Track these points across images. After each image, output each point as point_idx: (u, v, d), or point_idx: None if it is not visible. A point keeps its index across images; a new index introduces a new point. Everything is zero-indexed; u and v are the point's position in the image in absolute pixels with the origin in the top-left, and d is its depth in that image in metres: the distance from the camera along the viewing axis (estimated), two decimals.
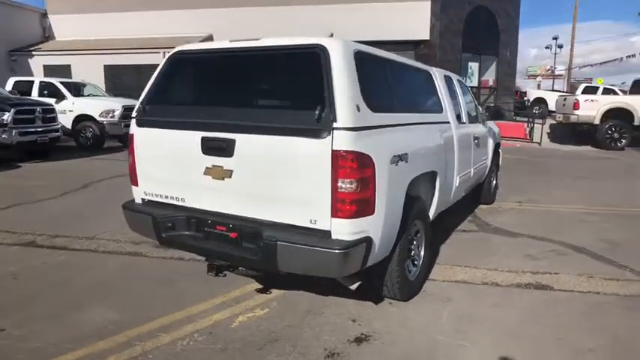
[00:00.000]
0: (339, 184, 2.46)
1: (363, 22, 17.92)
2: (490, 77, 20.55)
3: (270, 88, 2.98)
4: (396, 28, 17.69)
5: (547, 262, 4.22)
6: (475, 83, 19.87)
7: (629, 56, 31.36)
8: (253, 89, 3.04)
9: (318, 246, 2.52)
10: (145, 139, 3.19)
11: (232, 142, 2.76)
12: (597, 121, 13.26)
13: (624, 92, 18.40)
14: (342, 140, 2.46)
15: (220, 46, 3.09)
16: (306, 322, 3.06)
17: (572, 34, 33.43)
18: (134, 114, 3.28)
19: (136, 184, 3.32)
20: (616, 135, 13.25)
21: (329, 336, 2.89)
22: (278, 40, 2.88)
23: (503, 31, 19.88)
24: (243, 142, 2.73)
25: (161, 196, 3.20)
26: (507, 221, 5.71)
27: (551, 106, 19.67)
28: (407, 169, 2.97)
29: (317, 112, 2.49)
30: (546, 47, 47.77)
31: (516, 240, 4.94)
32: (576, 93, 17.22)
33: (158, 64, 3.31)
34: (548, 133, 16.09)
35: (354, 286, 2.94)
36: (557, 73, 46.07)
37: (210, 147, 2.84)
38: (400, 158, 2.85)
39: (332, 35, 20.34)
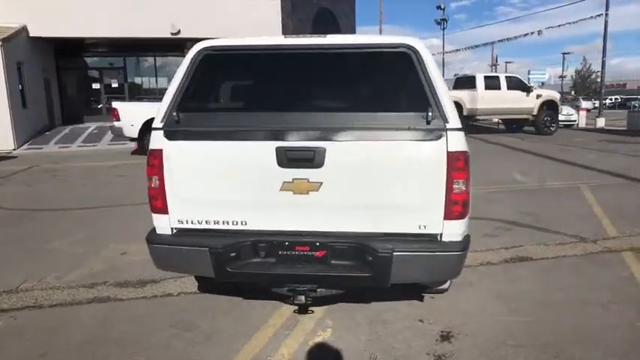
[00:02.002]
0: (454, 185, 2.46)
1: (211, 18, 17.28)
2: None
3: (358, 90, 2.73)
4: (247, 26, 17.44)
5: (506, 238, 4.87)
6: None
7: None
8: (337, 91, 2.73)
9: (439, 251, 2.49)
10: (182, 154, 2.61)
11: (322, 150, 2.47)
12: None
13: None
14: (456, 141, 2.46)
15: (280, 43, 2.67)
16: (383, 333, 2.96)
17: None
18: (159, 124, 2.65)
19: (164, 212, 2.69)
20: None
21: (416, 340, 2.87)
22: (354, 37, 2.68)
23: (344, 31, 21.48)
24: (336, 150, 2.48)
25: (208, 222, 2.67)
26: None
27: None
28: None
29: (428, 114, 2.44)
30: None
31: None
32: None
33: None
34: None
35: (446, 285, 2.96)
36: None
37: (291, 158, 2.49)
38: None
39: (179, 31, 19.07)
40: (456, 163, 2.45)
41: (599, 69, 22.19)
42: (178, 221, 2.71)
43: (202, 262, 2.61)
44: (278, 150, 2.50)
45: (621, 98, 50.51)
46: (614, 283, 3.65)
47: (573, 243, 4.65)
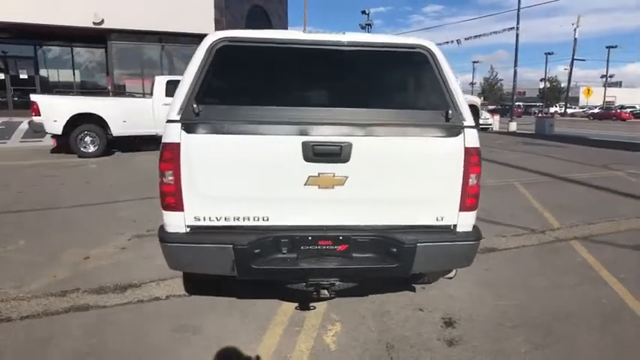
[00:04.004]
0: (470, 179, 2.63)
1: (139, 10, 16.41)
2: None
3: (379, 88, 2.78)
4: (179, 20, 16.89)
5: None
6: None
7: None
8: (358, 88, 2.76)
9: (458, 241, 2.64)
10: (202, 148, 2.50)
11: (348, 145, 2.52)
12: None
13: None
14: (471, 138, 2.63)
15: (301, 38, 2.65)
16: (390, 324, 3.08)
17: None
18: (175, 117, 2.50)
19: (179, 209, 2.56)
20: None
21: (423, 328, 3.02)
22: (372, 36, 2.74)
23: (276, 29, 21.44)
24: (362, 145, 2.54)
25: (228, 218, 2.58)
26: None
27: None
28: None
29: (447, 112, 2.58)
30: None
31: None
32: None
33: None
34: None
35: (452, 274, 3.12)
36: None
37: (318, 153, 2.50)
38: None
39: (102, 21, 17.72)
40: (472, 159, 2.63)
41: (503, 78, 24.28)
42: (195, 218, 2.59)
43: (225, 259, 2.52)
44: (304, 144, 2.50)
45: (523, 105, 55.96)
46: (573, 268, 4.10)
47: (527, 234, 5.12)
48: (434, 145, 2.62)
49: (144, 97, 14.90)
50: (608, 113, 45.52)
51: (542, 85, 63.65)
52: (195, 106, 2.48)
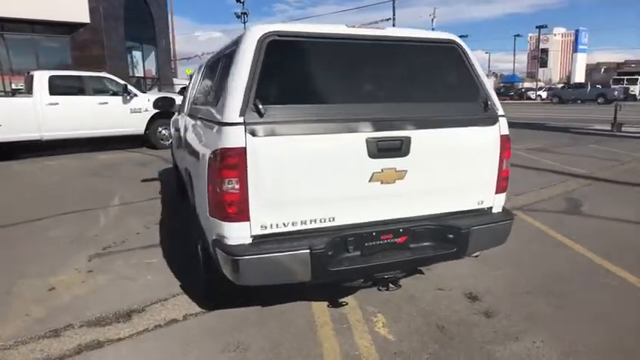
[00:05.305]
0: (504, 163, 2.91)
1: None
2: (152, 67, 20.38)
3: (425, 81, 2.85)
4: (44, 7, 14.80)
5: None
6: (141, 73, 19.28)
7: None
8: (408, 82, 2.80)
9: (501, 221, 2.91)
10: (268, 151, 2.36)
11: (408, 139, 2.60)
12: None
13: None
14: (503, 126, 2.92)
15: (348, 32, 2.63)
16: (425, 306, 3.26)
17: (171, 27, 35.70)
18: (237, 119, 2.31)
19: (244, 219, 2.39)
20: None
21: (455, 306, 3.27)
22: (408, 31, 2.82)
23: (157, 19, 20.00)
24: (419, 138, 2.64)
25: (295, 223, 2.49)
26: None
27: None
28: None
29: (486, 103, 2.82)
30: None
31: None
32: None
33: None
34: None
35: (477, 253, 3.36)
36: None
37: (382, 148, 2.54)
38: None
39: None
40: (506, 144, 2.91)
41: None
42: (261, 227, 2.43)
43: (301, 265, 2.44)
44: (369, 141, 2.52)
45: None
46: (533, 235, 4.74)
47: None
48: (477, 134, 2.84)
49: (5, 94, 12.87)
50: None
51: None
52: (261, 107, 2.32)
